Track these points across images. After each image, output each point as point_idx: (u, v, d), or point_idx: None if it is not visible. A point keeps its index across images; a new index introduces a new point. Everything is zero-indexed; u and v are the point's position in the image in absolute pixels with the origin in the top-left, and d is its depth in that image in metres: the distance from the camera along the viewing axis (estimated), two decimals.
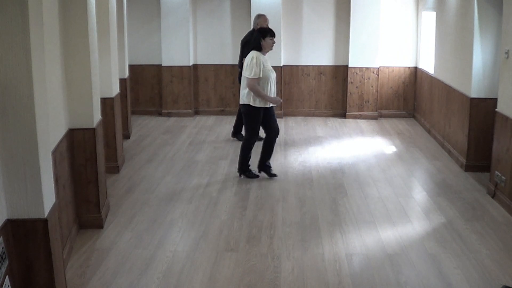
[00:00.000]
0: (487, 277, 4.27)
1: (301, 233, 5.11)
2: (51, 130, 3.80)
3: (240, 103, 6.55)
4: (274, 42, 6.42)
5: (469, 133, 6.88)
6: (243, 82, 6.43)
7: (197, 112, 10.66)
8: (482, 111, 6.77)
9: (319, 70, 10.38)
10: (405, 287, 4.13)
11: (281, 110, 10.27)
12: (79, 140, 5.05)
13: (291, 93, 10.46)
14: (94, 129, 5.11)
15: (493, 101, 6.38)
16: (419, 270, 4.38)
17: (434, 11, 8.92)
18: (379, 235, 5.07)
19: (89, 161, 5.10)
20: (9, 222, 3.05)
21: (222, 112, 10.64)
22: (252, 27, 8.21)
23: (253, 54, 6.30)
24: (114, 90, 6.94)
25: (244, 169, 6.69)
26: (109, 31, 6.52)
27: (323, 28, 10.26)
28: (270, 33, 6.36)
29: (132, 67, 10.09)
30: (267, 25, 7.72)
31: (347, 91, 10.21)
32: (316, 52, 10.30)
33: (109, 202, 5.74)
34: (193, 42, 10.44)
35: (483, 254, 4.65)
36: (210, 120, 10.20)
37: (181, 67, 10.31)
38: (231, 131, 8.76)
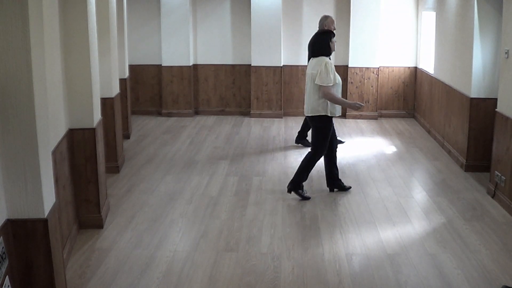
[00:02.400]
0: (487, 277, 4.27)
1: (301, 233, 5.11)
2: (51, 130, 3.80)
3: (311, 114, 5.86)
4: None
5: (469, 133, 6.88)
6: (314, 91, 5.77)
7: (197, 112, 10.65)
8: (482, 111, 6.77)
9: None
10: (405, 287, 4.13)
11: (281, 110, 10.28)
12: (79, 140, 5.05)
13: (291, 93, 10.45)
14: (94, 129, 5.11)
15: (493, 101, 6.38)
16: (419, 270, 4.39)
17: (434, 11, 8.91)
18: (379, 235, 5.07)
19: (89, 161, 5.10)
20: (9, 222, 3.05)
21: (222, 112, 10.63)
22: (318, 29, 7.39)
23: (324, 59, 5.73)
24: (114, 90, 6.94)
25: (298, 184, 5.97)
26: (109, 31, 6.52)
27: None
28: (333, 34, 5.96)
29: (132, 67, 10.08)
30: (334, 26, 7.37)
31: (347, 91, 10.19)
32: None
33: (109, 202, 5.74)
34: (193, 42, 10.44)
35: (483, 254, 4.65)
36: (210, 120, 10.20)
37: (181, 67, 10.31)
38: (296, 136, 8.36)
